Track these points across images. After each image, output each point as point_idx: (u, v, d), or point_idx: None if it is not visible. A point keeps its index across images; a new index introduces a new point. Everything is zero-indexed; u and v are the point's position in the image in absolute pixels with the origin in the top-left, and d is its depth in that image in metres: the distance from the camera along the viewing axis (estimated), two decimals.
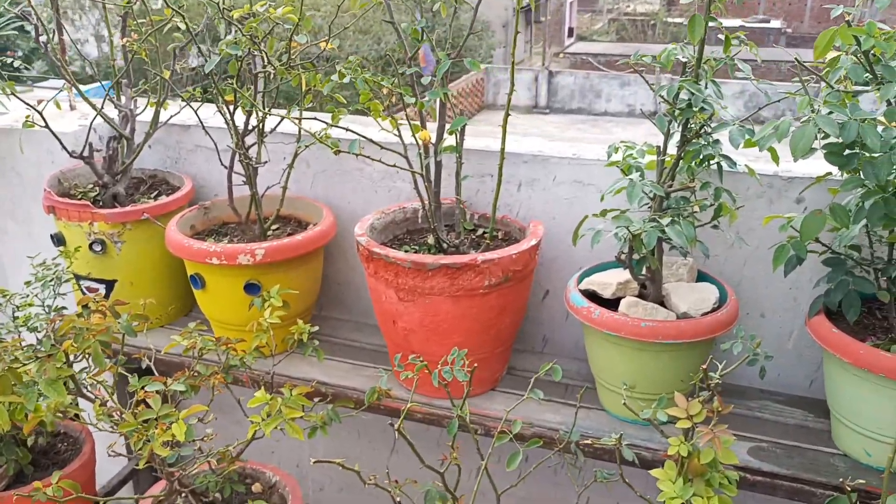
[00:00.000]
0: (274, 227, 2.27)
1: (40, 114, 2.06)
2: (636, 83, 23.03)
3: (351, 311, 2.50)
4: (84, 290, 2.28)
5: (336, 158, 2.32)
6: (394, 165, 1.91)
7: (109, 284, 2.26)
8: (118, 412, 1.41)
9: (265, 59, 1.92)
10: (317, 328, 1.84)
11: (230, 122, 2.05)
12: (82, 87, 2.35)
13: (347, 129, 1.92)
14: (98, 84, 2.70)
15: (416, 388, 1.48)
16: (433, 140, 2.02)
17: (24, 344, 1.56)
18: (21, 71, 2.09)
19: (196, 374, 1.49)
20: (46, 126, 2.09)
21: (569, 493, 2.48)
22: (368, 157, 1.90)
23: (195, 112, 2.19)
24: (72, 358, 1.54)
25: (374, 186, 2.35)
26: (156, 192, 2.42)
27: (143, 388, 1.37)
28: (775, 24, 26.96)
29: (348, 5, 1.98)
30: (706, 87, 1.68)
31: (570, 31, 31.61)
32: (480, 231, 2.14)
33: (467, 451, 1.59)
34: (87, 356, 1.53)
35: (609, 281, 1.89)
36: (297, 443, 2.83)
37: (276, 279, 2.00)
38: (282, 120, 2.14)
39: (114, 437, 2.60)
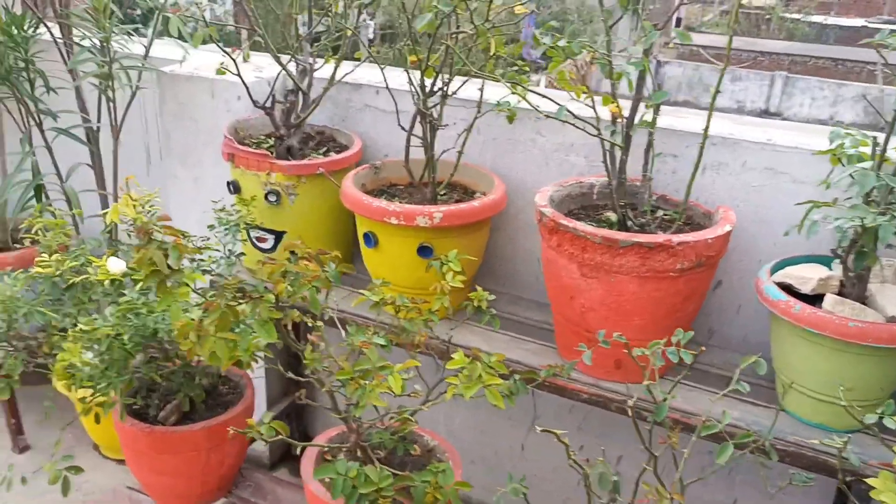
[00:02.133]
0: (442, 192, 2.25)
1: (234, 61, 2.09)
2: (748, 78, 22.14)
3: (505, 284, 2.47)
4: (253, 239, 2.32)
5: (509, 127, 2.28)
6: (598, 135, 1.85)
7: (279, 236, 2.30)
8: (331, 359, 1.41)
9: (467, 19, 1.88)
10: (494, 297, 1.83)
11: (419, 81, 2.03)
12: (205, 48, 2.35)
13: (543, 97, 1.88)
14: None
15: (636, 378, 1.43)
16: (624, 113, 1.96)
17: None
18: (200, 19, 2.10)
19: (399, 330, 1.48)
20: (238, 75, 2.12)
21: (718, 495, 2.39)
22: (572, 123, 1.85)
23: (381, 70, 2.19)
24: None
25: (546, 159, 2.30)
26: (324, 149, 2.44)
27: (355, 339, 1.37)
28: None
29: None
30: None
31: (678, 21, 30.60)
32: (660, 213, 2.06)
33: (632, 439, 1.53)
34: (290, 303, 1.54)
35: (808, 276, 1.78)
36: (430, 413, 2.83)
37: (449, 244, 1.98)
38: (465, 81, 2.11)
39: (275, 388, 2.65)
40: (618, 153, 1.97)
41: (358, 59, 2.34)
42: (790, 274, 1.82)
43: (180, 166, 2.70)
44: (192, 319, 1.38)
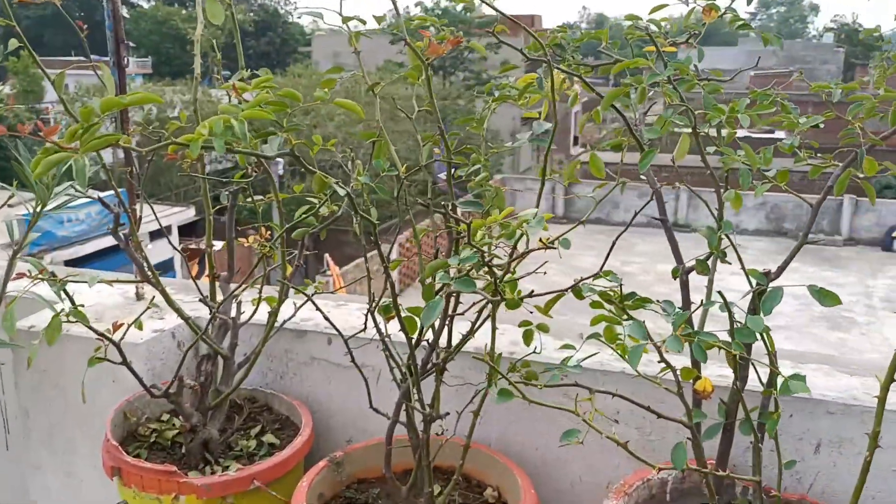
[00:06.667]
0: (440, 496, 1.53)
1: (116, 345, 1.36)
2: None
3: None
4: None
5: (524, 390, 1.62)
6: (688, 428, 1.20)
7: None
8: None
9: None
10: None
11: (400, 349, 1.35)
12: (99, 193, 1.61)
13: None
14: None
15: None
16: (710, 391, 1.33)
17: None
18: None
19: None
20: (124, 362, 1.39)
21: None
22: (639, 404, 1.19)
23: (328, 320, 1.49)
24: None
25: (580, 429, 1.63)
26: (258, 428, 1.70)
27: None
28: None
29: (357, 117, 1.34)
30: None
31: (576, 139, 31.73)
32: None
33: None
34: None
35: None
36: None
37: None
38: (467, 337, 1.45)
39: None
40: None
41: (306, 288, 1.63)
42: None
43: (46, 453, 1.88)
44: None
